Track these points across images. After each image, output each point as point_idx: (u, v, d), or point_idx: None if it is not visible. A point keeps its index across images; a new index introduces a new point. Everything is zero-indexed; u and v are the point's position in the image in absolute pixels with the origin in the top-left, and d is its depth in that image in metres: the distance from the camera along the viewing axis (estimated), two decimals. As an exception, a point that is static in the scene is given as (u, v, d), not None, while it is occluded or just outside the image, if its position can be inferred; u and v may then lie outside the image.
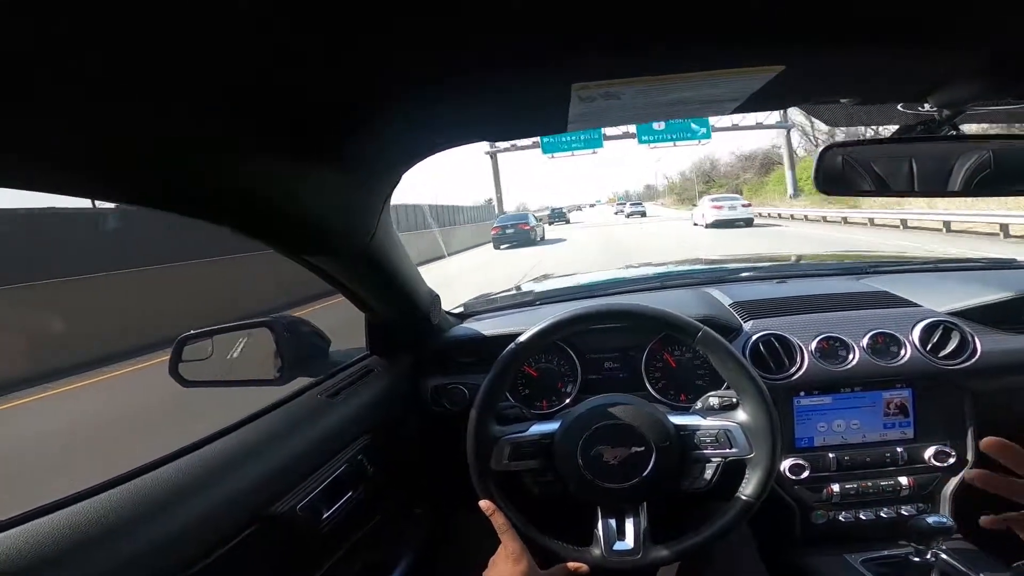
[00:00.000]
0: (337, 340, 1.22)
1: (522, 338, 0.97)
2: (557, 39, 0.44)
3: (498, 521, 0.85)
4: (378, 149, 0.70)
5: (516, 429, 0.97)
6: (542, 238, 20.84)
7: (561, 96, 0.57)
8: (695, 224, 19.63)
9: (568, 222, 33.26)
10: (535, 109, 0.64)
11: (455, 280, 10.02)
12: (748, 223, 17.89)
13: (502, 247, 19.01)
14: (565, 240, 19.84)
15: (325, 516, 0.85)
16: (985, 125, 0.91)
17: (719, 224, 17.52)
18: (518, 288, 1.86)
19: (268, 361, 1.06)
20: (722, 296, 1.37)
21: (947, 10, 0.44)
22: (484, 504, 0.88)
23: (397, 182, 0.82)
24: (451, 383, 1.25)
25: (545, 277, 2.07)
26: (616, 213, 48.58)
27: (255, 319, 1.07)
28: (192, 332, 1.07)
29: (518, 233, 19.39)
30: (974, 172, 0.73)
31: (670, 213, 37.73)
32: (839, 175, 0.77)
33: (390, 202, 0.86)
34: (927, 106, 0.69)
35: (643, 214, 37.14)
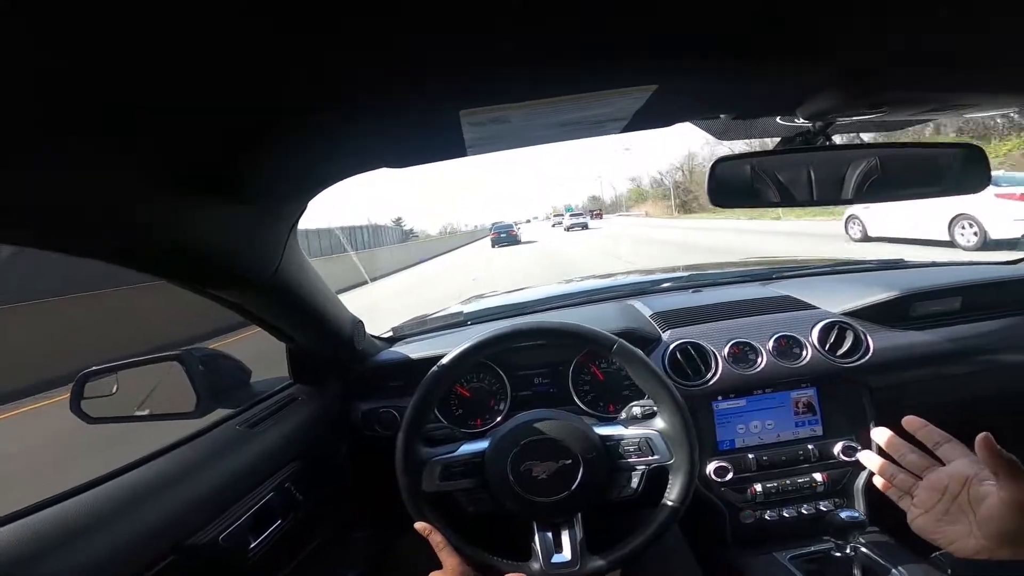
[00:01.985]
0: (271, 369, 1.21)
1: (444, 361, 0.98)
2: (440, 66, 0.45)
3: (435, 540, 0.87)
4: (277, 178, 0.69)
5: (446, 450, 0.97)
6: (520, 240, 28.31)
7: (452, 122, 0.58)
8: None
9: (519, 242, 27.90)
10: (431, 135, 0.65)
11: (389, 302, 9.92)
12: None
13: (498, 246, 26.71)
14: (537, 241, 26.21)
15: (253, 545, 0.85)
16: (870, 135, 0.99)
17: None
18: (476, 304, 1.86)
19: (185, 394, 1.02)
20: (643, 308, 1.42)
21: (798, 31, 0.48)
22: (419, 526, 0.89)
23: (303, 210, 0.82)
24: (381, 407, 1.25)
25: (478, 297, 2.08)
26: (554, 226, 45.75)
27: (163, 353, 1.03)
28: (94, 368, 1.02)
29: (508, 236, 28.16)
30: (850, 181, 0.78)
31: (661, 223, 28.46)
32: (731, 187, 0.80)
33: (296, 230, 0.85)
34: (801, 119, 0.74)
35: (584, 227, 34.01)
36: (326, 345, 1.14)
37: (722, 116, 0.74)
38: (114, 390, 1.03)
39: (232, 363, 1.13)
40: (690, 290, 1.57)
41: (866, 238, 9.29)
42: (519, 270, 12.30)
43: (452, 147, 0.70)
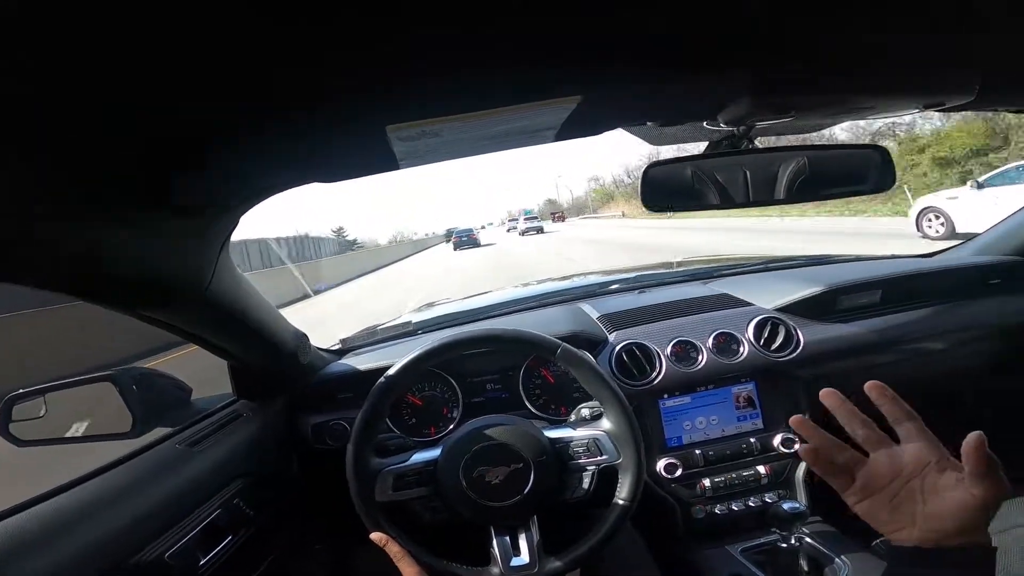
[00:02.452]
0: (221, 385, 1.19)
1: (390, 372, 0.98)
2: (364, 82, 0.45)
3: (392, 550, 0.87)
4: (205, 193, 0.68)
5: (398, 460, 0.97)
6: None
7: (380, 137, 0.58)
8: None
9: (479, 244, 29.80)
10: (361, 150, 0.65)
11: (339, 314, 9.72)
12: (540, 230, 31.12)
13: (460, 249, 28.61)
14: (495, 243, 28.44)
15: (203, 562, 0.84)
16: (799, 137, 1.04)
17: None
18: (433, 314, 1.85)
19: (122, 415, 0.99)
20: (591, 310, 1.45)
21: (709, 40, 0.50)
22: (375, 536, 0.89)
23: (234, 225, 0.80)
24: (331, 420, 1.24)
25: (430, 305, 2.08)
26: (509, 231, 44.57)
27: (95, 374, 1.01)
28: (21, 391, 0.99)
29: (470, 239, 30.26)
30: (768, 182, 0.83)
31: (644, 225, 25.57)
32: (662, 192, 0.82)
33: (228, 245, 0.84)
34: (723, 124, 0.78)
35: (540, 231, 33.57)
36: (268, 361, 1.13)
37: (649, 123, 0.77)
38: (43, 412, 1.00)
39: (170, 381, 1.12)
40: (636, 291, 1.61)
41: (953, 235, 7.60)
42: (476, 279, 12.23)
43: (384, 161, 0.69)
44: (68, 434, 1.03)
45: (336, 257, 27.67)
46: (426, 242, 60.88)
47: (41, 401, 0.99)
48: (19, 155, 0.43)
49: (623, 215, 38.47)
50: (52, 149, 0.45)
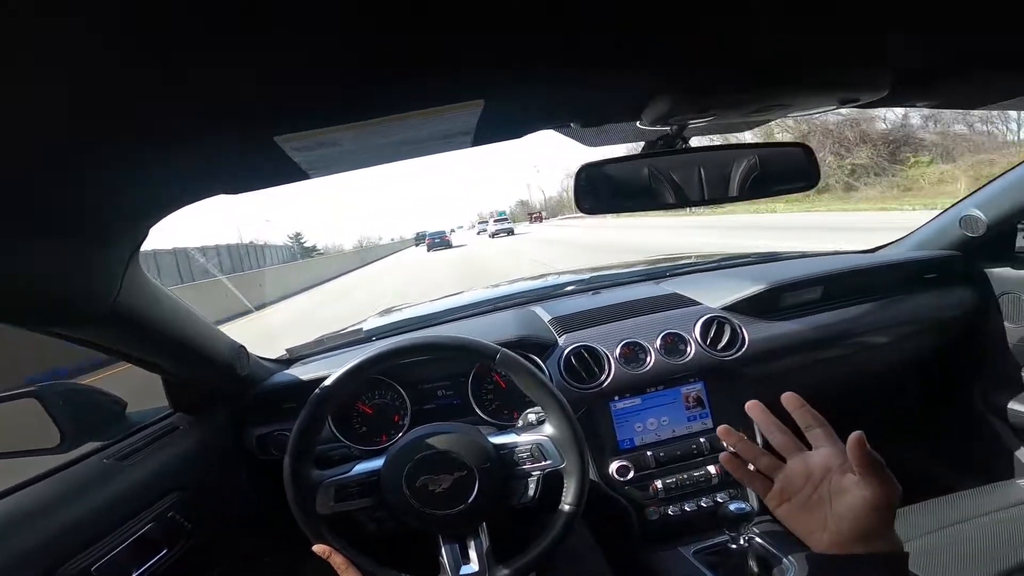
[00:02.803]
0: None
1: (327, 382, 0.96)
2: (241, 85, 0.42)
3: (336, 562, 0.85)
4: (97, 212, 0.63)
5: (339, 471, 0.95)
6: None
7: (272, 147, 0.54)
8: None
9: (451, 246, 31.18)
10: (261, 161, 0.62)
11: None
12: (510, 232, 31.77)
13: (433, 250, 30.08)
14: (466, 245, 29.93)
15: (135, 575, 0.83)
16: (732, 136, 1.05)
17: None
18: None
19: (49, 431, 0.95)
20: (543, 313, 1.44)
21: (617, 40, 0.48)
22: (318, 548, 0.86)
23: (142, 237, 0.76)
24: (276, 430, 1.21)
25: (388, 311, 2.05)
26: (479, 234, 43.25)
27: (17, 390, 0.96)
28: None
29: (443, 241, 32.03)
30: (699, 183, 0.83)
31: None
32: (596, 193, 0.81)
33: (137, 257, 0.79)
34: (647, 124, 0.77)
35: (510, 232, 33.20)
36: (201, 373, 1.09)
37: (571, 125, 0.76)
38: None
39: (103, 396, 1.08)
40: (591, 292, 1.60)
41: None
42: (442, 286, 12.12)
43: (289, 171, 0.65)
44: None
45: (286, 265, 25.73)
46: (393, 247, 59.22)
47: None
48: None
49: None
50: None
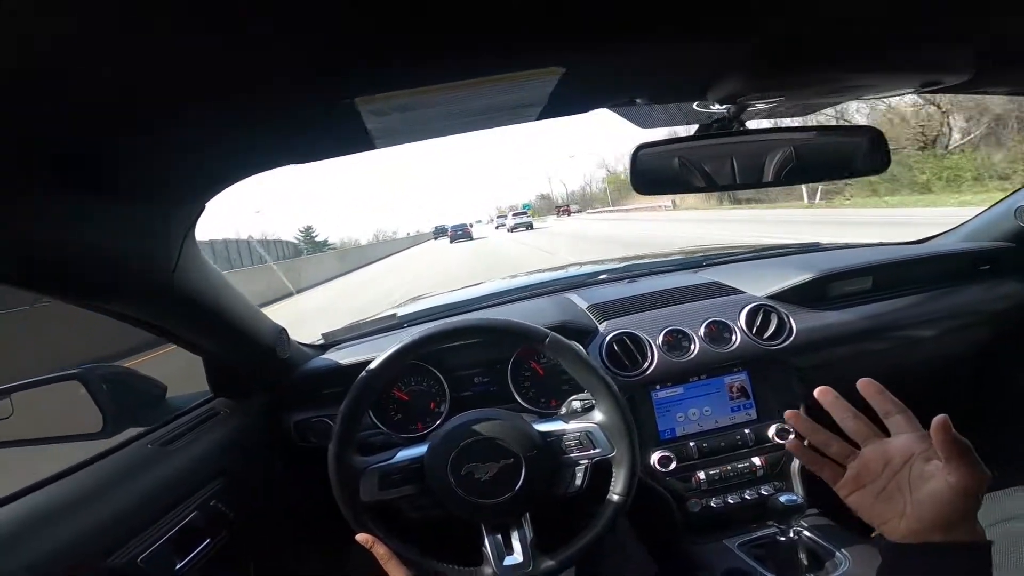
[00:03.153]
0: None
1: (373, 365, 0.94)
2: (328, 50, 0.42)
3: (379, 552, 0.83)
4: (167, 177, 0.64)
5: (382, 458, 0.94)
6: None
7: (350, 112, 0.55)
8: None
9: (472, 238, 32.28)
10: (332, 128, 0.62)
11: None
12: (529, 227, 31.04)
13: (456, 241, 31.63)
14: (487, 237, 30.65)
15: (179, 566, 0.82)
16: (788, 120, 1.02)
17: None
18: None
19: (92, 415, 0.95)
20: (580, 300, 1.42)
21: (707, 6, 0.47)
22: (361, 537, 0.85)
23: (200, 212, 0.77)
24: (315, 417, 1.20)
25: (417, 298, 2.04)
26: (497, 228, 43.27)
27: (62, 372, 0.97)
28: None
29: (465, 234, 33.43)
30: (761, 165, 0.80)
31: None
32: (652, 174, 0.80)
33: (194, 233, 0.80)
34: (716, 105, 0.75)
35: (529, 227, 32.40)
36: (245, 356, 1.09)
37: (637, 101, 0.74)
38: (10, 413, 0.96)
39: (143, 380, 1.08)
40: (625, 280, 1.58)
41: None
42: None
43: (357, 140, 0.66)
44: (36, 435, 0.99)
45: (289, 261, 23.54)
46: (411, 240, 57.84)
47: (8, 402, 0.95)
48: None
49: (672, 205, 29.76)
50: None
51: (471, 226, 38.11)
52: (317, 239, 49.00)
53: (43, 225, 0.55)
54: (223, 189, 0.73)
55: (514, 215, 37.46)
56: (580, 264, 2.16)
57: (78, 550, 0.68)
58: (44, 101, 0.40)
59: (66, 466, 0.82)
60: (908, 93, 0.71)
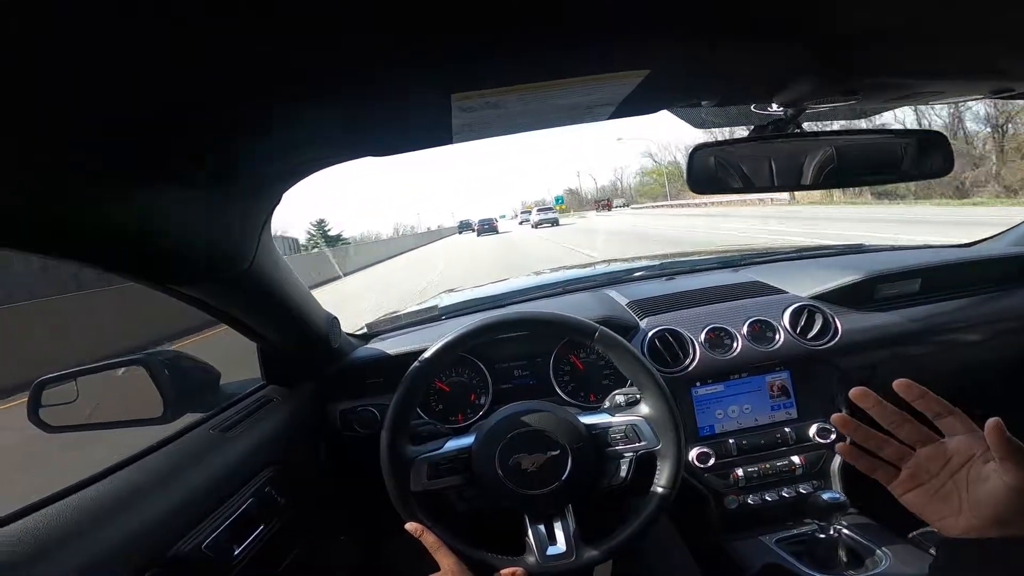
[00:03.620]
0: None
1: (427, 354, 0.96)
2: (433, 45, 0.44)
3: (428, 541, 0.84)
4: (252, 166, 0.66)
5: (431, 447, 0.95)
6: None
7: (442, 107, 0.57)
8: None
9: (497, 231, 33.54)
10: (419, 121, 0.64)
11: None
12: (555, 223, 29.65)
13: (483, 235, 32.69)
14: (511, 231, 31.57)
15: (237, 552, 0.81)
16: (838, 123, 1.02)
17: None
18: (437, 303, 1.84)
19: (151, 400, 0.98)
20: (619, 296, 1.43)
21: (779, 9, 0.48)
22: (411, 526, 0.86)
23: (278, 202, 0.79)
24: (359, 406, 1.22)
25: (450, 291, 2.06)
26: (521, 224, 41.97)
27: (125, 357, 1.00)
28: (51, 375, 0.98)
29: (491, 228, 34.60)
30: (821, 166, 0.80)
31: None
32: (709, 174, 0.81)
33: (271, 223, 0.82)
34: (775, 106, 0.75)
35: (555, 223, 30.39)
36: (301, 343, 1.11)
37: (703, 103, 0.75)
38: (75, 397, 0.98)
39: (198, 365, 1.11)
40: (663, 278, 1.58)
41: None
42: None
43: (438, 134, 0.68)
44: (98, 420, 1.01)
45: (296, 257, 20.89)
46: (434, 235, 57.17)
47: (73, 386, 0.98)
48: (77, 130, 0.42)
49: (793, 199, 21.97)
50: (101, 125, 0.43)
51: (496, 221, 38.31)
52: (330, 233, 47.06)
53: (135, 213, 0.57)
54: (299, 180, 0.75)
55: (539, 210, 34.95)
56: (614, 261, 2.16)
57: (148, 537, 0.69)
58: (140, 96, 0.42)
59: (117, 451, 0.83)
60: (978, 99, 0.70)
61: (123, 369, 1.01)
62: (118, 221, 0.57)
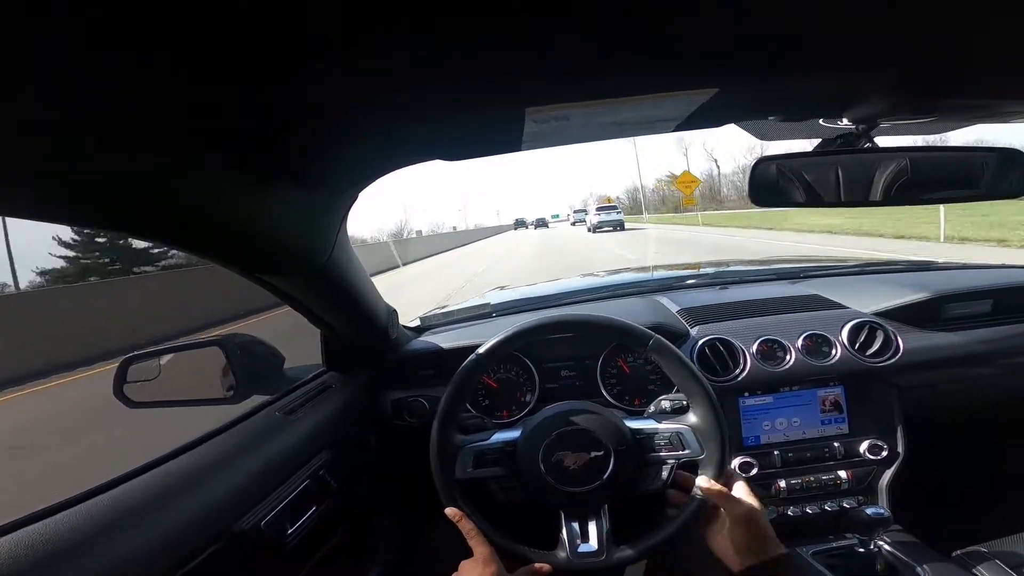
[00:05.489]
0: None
1: (481, 349, 0.98)
2: (514, 65, 0.46)
3: (466, 527, 0.87)
4: (337, 167, 0.70)
5: (479, 438, 0.98)
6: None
7: (516, 118, 0.59)
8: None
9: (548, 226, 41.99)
10: (491, 130, 0.67)
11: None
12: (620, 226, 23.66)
13: (540, 228, 37.31)
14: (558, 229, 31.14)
15: (290, 531, 0.85)
16: (905, 139, 0.98)
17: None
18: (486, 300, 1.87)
19: (219, 380, 1.04)
20: (670, 303, 1.43)
21: (862, 35, 0.48)
22: (450, 511, 0.89)
23: (354, 200, 0.83)
24: (411, 396, 1.26)
25: (501, 288, 2.09)
26: (574, 224, 37.63)
27: (205, 338, 1.05)
28: (137, 352, 1.04)
29: (543, 224, 43.83)
30: (892, 182, 0.78)
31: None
32: (771, 187, 0.79)
33: (347, 220, 0.87)
34: (845, 120, 0.74)
35: (620, 226, 24.18)
36: (362, 333, 1.15)
37: (771, 118, 0.74)
38: (157, 373, 1.04)
39: (266, 349, 1.14)
40: (716, 287, 1.57)
41: None
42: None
43: (509, 142, 0.71)
44: (176, 397, 1.06)
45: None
46: (499, 229, 65.13)
47: (156, 363, 1.04)
48: (188, 132, 0.47)
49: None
50: (209, 127, 0.48)
51: (548, 220, 47.46)
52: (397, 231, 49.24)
53: (229, 205, 0.62)
54: (375, 180, 0.79)
55: (598, 209, 27.14)
56: (665, 268, 2.14)
57: (215, 512, 0.73)
58: (266, 104, 0.46)
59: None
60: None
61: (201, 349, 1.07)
62: (220, 216, 0.62)
